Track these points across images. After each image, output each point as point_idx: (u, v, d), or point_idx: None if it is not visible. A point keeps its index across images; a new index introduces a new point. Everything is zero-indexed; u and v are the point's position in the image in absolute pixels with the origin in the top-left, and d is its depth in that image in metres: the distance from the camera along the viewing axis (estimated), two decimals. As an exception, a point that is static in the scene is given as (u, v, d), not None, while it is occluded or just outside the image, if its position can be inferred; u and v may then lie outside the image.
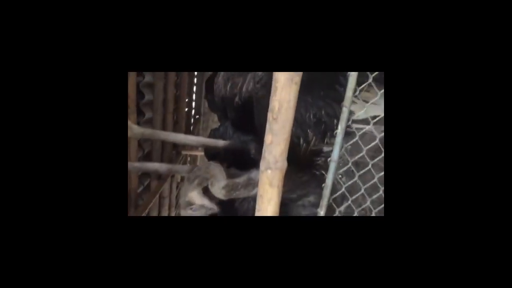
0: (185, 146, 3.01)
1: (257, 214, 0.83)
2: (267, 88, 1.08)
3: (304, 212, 1.01)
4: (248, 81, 1.38)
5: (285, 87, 0.71)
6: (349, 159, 0.83)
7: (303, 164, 1.17)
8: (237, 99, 1.47)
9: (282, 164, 0.78)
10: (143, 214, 1.96)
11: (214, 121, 4.37)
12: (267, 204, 0.81)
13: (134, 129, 1.37)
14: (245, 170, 1.45)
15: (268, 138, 0.76)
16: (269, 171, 0.78)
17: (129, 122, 1.38)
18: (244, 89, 1.41)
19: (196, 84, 3.59)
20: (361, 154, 0.88)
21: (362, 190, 0.84)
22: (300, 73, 0.72)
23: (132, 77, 1.76)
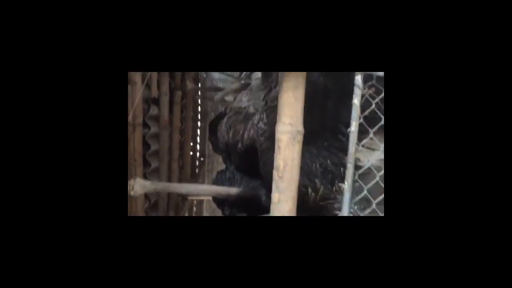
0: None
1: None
2: (270, 140, 1.10)
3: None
4: (249, 129, 1.42)
5: (288, 146, 0.73)
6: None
7: (314, 211, 1.15)
8: (239, 145, 1.50)
9: (292, 222, 0.76)
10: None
11: (219, 162, 4.39)
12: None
13: (147, 186, 1.37)
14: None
15: (275, 196, 0.76)
16: (279, 231, 0.75)
17: (140, 180, 1.38)
18: (245, 136, 1.44)
19: (200, 128, 3.68)
20: (362, 194, 0.85)
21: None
22: (302, 132, 0.74)
23: (138, 130, 1.81)
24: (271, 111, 1.07)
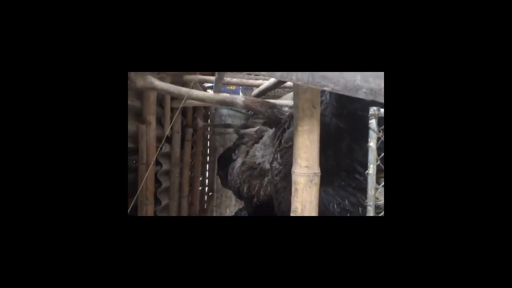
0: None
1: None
2: (286, 180, 1.10)
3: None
4: (265, 186, 1.42)
5: (305, 189, 0.73)
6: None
7: None
8: (255, 199, 1.49)
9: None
10: None
11: (227, 196, 4.36)
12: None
13: None
14: None
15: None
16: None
17: None
18: (261, 192, 1.44)
19: (208, 162, 3.71)
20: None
21: None
22: (319, 174, 0.74)
23: (151, 168, 1.83)
24: (286, 151, 1.09)
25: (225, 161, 2.46)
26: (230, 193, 4.24)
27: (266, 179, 1.42)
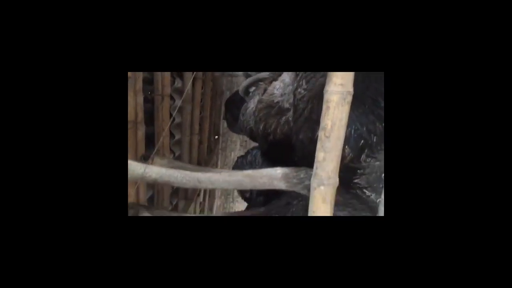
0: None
1: (310, 230, 0.84)
2: (310, 103, 1.10)
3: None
4: (282, 124, 1.41)
5: (337, 106, 0.75)
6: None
7: (342, 179, 1.17)
8: (271, 137, 1.49)
9: (335, 180, 0.80)
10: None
11: (232, 140, 4.46)
12: (320, 221, 0.82)
13: (164, 164, 1.35)
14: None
15: (320, 155, 0.79)
16: (322, 188, 0.80)
17: (158, 159, 1.39)
18: (278, 131, 1.43)
19: (214, 106, 3.71)
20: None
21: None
22: (352, 92, 0.76)
23: (166, 100, 1.85)
24: (312, 76, 1.08)
25: (233, 104, 2.44)
26: (235, 137, 4.33)
27: (283, 118, 1.42)
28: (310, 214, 0.84)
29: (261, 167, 1.75)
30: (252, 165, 1.90)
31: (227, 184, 1.06)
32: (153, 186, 1.85)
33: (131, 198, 1.48)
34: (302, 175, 0.95)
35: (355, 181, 1.23)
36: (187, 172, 1.06)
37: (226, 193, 4.18)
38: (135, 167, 1.04)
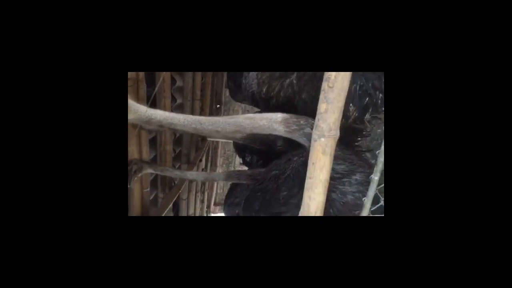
0: (210, 133, 3.07)
1: (308, 181, 0.86)
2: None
3: (351, 189, 1.03)
4: (286, 87, 1.39)
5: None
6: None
7: (343, 139, 1.18)
8: (274, 100, 1.48)
9: (336, 132, 0.80)
10: (182, 197, 2.04)
11: (234, 110, 4.43)
12: (319, 172, 0.84)
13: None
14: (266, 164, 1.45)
15: (322, 106, 0.79)
16: (322, 139, 0.81)
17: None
18: (281, 94, 1.42)
19: (216, 73, 3.63)
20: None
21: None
22: (358, 41, 0.74)
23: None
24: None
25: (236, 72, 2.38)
26: (237, 106, 4.30)
27: (288, 80, 1.40)
28: (310, 165, 0.86)
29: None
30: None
31: (228, 125, 1.07)
32: (157, 147, 1.88)
33: (134, 155, 1.51)
34: (302, 122, 0.96)
35: (357, 143, 1.25)
36: (189, 115, 1.08)
37: (228, 161, 4.26)
38: (137, 108, 1.02)
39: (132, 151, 1.50)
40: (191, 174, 1.70)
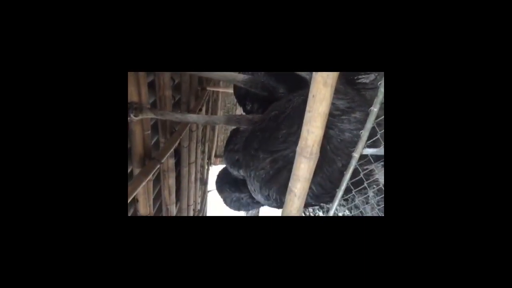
0: (210, 83, 3.02)
1: (307, 115, 0.87)
2: None
3: (349, 127, 1.04)
4: None
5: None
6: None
7: (346, 75, 1.16)
8: None
9: (338, 63, 0.78)
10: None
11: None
12: (319, 105, 0.84)
13: None
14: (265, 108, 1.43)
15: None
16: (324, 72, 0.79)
17: None
18: None
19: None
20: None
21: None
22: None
23: None
24: None
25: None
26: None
27: None
28: (310, 98, 0.85)
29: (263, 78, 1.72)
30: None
31: None
32: (156, 92, 1.86)
33: (133, 98, 1.50)
34: None
35: (359, 81, 1.23)
36: None
37: (228, 114, 4.25)
38: None
39: (131, 92, 1.48)
40: (192, 117, 1.71)
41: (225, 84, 3.34)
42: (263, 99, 1.75)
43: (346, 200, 1.72)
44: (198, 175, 3.34)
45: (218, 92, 3.71)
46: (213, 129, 4.00)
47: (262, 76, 1.69)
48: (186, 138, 2.48)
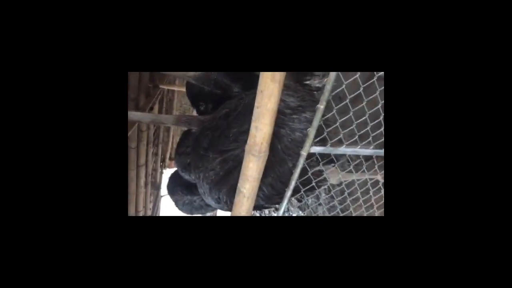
0: (163, 80, 2.85)
1: (256, 111, 0.83)
2: None
3: (300, 126, 1.04)
4: None
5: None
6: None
7: (293, 75, 1.16)
8: None
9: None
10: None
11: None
12: (268, 100, 0.81)
13: None
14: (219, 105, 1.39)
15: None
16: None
17: None
18: None
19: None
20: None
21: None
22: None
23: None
24: None
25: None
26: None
27: None
28: (258, 94, 0.82)
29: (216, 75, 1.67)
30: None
31: None
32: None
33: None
34: None
35: (307, 82, 1.24)
36: None
37: (183, 109, 4.07)
38: None
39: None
40: (135, 115, 1.56)
41: (181, 82, 3.19)
42: (218, 99, 1.69)
43: (299, 200, 1.73)
44: (150, 179, 3.12)
45: (173, 91, 3.53)
46: (167, 130, 3.79)
47: (215, 73, 1.63)
48: (133, 139, 2.29)
